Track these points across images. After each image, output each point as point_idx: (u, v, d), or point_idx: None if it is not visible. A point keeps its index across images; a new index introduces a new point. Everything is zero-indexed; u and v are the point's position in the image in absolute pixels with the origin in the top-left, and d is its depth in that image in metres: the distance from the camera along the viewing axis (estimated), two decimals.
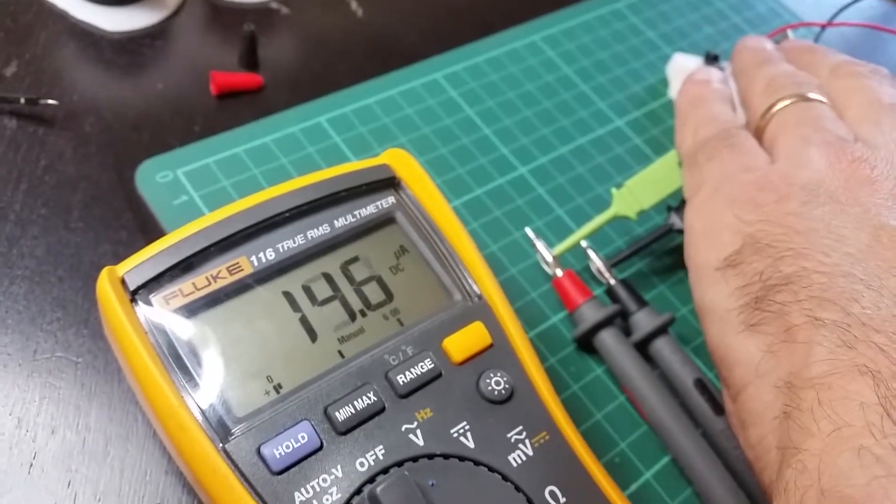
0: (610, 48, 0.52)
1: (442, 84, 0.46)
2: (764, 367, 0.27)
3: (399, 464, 0.26)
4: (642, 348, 0.37)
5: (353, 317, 0.29)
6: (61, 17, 0.44)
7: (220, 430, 0.25)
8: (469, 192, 0.42)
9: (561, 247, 0.39)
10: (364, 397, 0.27)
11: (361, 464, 0.25)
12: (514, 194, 0.42)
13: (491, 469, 0.26)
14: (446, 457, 0.26)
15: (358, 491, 0.25)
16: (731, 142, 0.34)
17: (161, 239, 0.28)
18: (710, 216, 0.32)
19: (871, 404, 0.23)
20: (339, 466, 0.25)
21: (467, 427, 0.27)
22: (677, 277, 0.41)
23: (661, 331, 0.37)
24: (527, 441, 0.27)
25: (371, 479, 0.25)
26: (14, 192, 0.36)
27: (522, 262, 0.40)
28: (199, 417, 0.25)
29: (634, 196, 0.39)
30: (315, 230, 0.30)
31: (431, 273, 0.31)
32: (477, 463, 0.26)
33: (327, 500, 0.25)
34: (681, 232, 0.39)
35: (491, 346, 0.29)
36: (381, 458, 0.26)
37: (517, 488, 0.26)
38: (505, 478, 0.26)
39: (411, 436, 0.26)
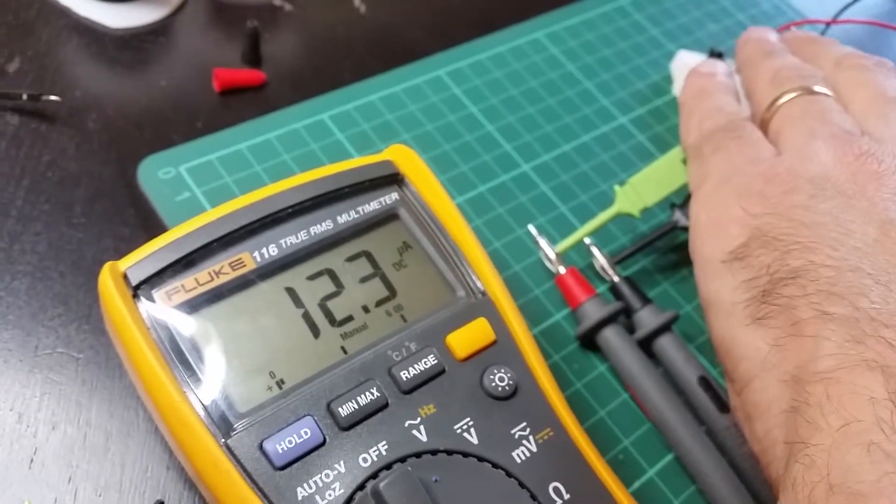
0: (613, 45, 0.52)
1: (445, 81, 0.46)
2: (770, 360, 0.27)
3: (402, 459, 0.25)
4: (646, 346, 0.37)
5: (356, 313, 0.29)
6: (64, 13, 0.44)
7: (223, 425, 0.25)
8: (472, 189, 0.42)
9: (564, 244, 0.39)
10: (367, 393, 0.26)
11: (364, 459, 0.25)
12: (517, 191, 0.42)
13: (494, 465, 0.26)
14: (450, 453, 0.26)
15: (361, 486, 0.25)
16: (737, 134, 0.34)
17: (163, 234, 0.28)
18: (716, 208, 0.32)
19: (880, 400, 0.23)
20: (341, 462, 0.25)
21: (471, 423, 0.27)
22: (681, 275, 0.41)
23: (664, 328, 0.36)
24: (530, 437, 0.27)
25: (374, 475, 0.25)
26: (16, 189, 0.36)
27: (525, 259, 0.40)
28: (202, 413, 0.25)
29: (638, 193, 0.39)
30: (318, 226, 0.30)
31: (435, 269, 0.31)
32: (480, 459, 0.26)
33: (330, 495, 0.24)
34: (685, 229, 0.39)
35: (494, 342, 0.29)
36: (384, 453, 0.25)
37: (521, 484, 0.26)
38: (509, 474, 0.26)
39: (414, 431, 0.26)
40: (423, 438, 0.26)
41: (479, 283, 0.30)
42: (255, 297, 0.28)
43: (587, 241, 0.39)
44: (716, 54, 0.50)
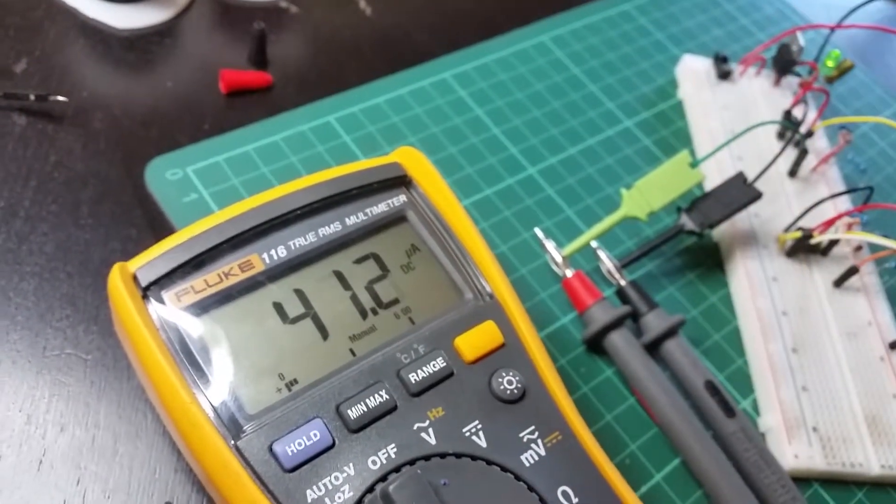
0: (618, 49, 0.52)
1: (451, 84, 0.46)
2: None
3: (411, 462, 0.25)
4: (652, 350, 0.37)
5: (364, 315, 0.29)
6: (71, 14, 0.44)
7: (232, 427, 0.25)
8: (478, 192, 0.42)
9: (571, 247, 0.39)
10: (376, 395, 0.26)
11: (373, 462, 0.25)
12: (523, 194, 0.42)
13: (503, 468, 0.26)
14: (458, 456, 0.26)
15: (370, 489, 0.25)
16: None
17: (173, 235, 0.28)
18: None
19: None
20: (351, 464, 0.25)
21: (479, 426, 0.27)
22: (687, 279, 0.41)
23: (671, 332, 0.36)
24: (539, 441, 0.27)
25: (383, 478, 0.25)
26: (24, 189, 0.36)
27: (532, 262, 0.40)
28: (211, 414, 0.25)
29: (644, 197, 0.39)
30: (326, 228, 0.30)
31: (443, 272, 0.31)
32: (489, 462, 0.26)
33: (339, 497, 0.24)
34: (691, 233, 0.39)
35: (503, 345, 0.29)
36: (393, 456, 0.25)
37: (530, 488, 0.26)
38: (517, 477, 0.26)
39: (423, 434, 0.26)
40: (432, 441, 0.26)
41: (487, 286, 0.30)
42: (263, 298, 0.28)
43: (594, 244, 0.39)
44: (720, 59, 0.50)
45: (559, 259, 0.38)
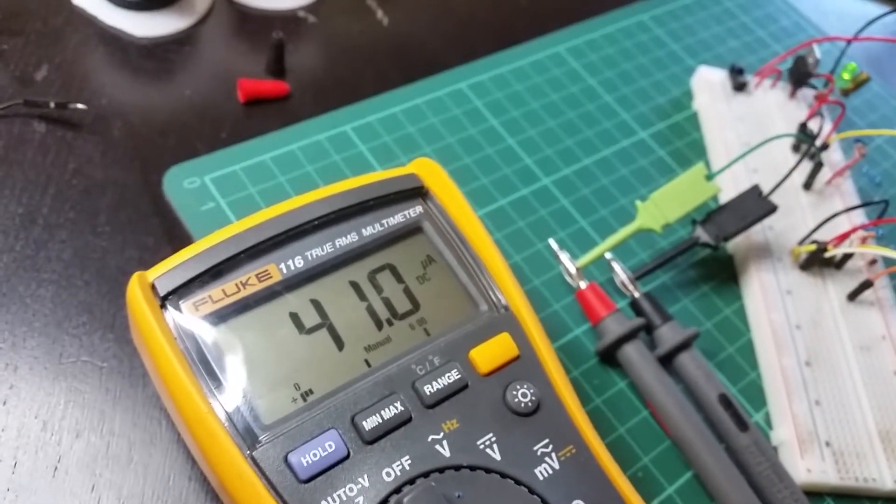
0: (634, 59, 0.52)
1: (466, 94, 0.46)
2: None
3: (425, 475, 0.26)
4: (666, 362, 0.37)
5: (379, 326, 0.29)
6: (90, 22, 0.44)
7: (248, 437, 0.25)
8: (492, 203, 0.42)
9: (585, 259, 0.39)
10: (391, 407, 0.27)
11: (388, 474, 0.25)
12: (537, 205, 0.42)
13: (517, 482, 0.26)
14: (473, 469, 0.26)
15: (385, 501, 0.25)
16: None
17: (191, 245, 0.28)
18: None
19: None
20: (365, 476, 0.25)
21: (494, 439, 0.27)
22: (701, 291, 0.41)
23: (685, 345, 0.36)
24: (553, 454, 0.27)
25: (397, 490, 0.25)
26: (42, 196, 0.37)
27: (545, 273, 0.40)
28: (227, 424, 0.25)
29: (659, 209, 0.39)
30: (343, 238, 0.30)
31: (458, 283, 0.31)
32: (503, 475, 0.26)
33: None
34: (706, 245, 0.39)
35: (517, 357, 0.29)
36: (407, 468, 0.26)
37: (544, 501, 0.26)
38: (531, 491, 0.26)
39: (438, 447, 0.26)
40: (446, 454, 0.26)
41: (502, 298, 0.30)
42: (280, 308, 0.28)
43: (608, 256, 0.39)
44: (736, 70, 0.50)
45: (573, 270, 0.38)
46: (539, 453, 0.27)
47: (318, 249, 0.30)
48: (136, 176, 0.39)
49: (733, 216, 0.39)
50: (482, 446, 0.27)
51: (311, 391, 0.27)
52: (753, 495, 0.33)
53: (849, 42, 0.48)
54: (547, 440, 0.27)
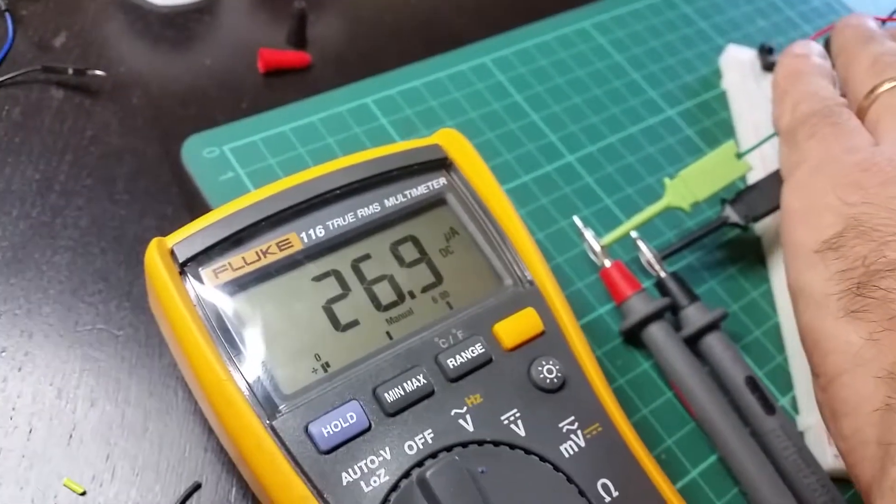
0: (662, 37, 0.51)
1: (490, 68, 0.45)
2: (864, 355, 0.26)
3: (448, 449, 0.25)
4: (692, 344, 0.36)
5: (401, 298, 0.28)
6: None
7: (268, 406, 0.25)
8: (516, 179, 0.41)
9: (610, 237, 0.38)
10: (413, 379, 0.26)
11: (410, 447, 0.25)
12: (561, 182, 0.42)
13: (542, 459, 0.25)
14: (496, 444, 0.25)
15: (406, 474, 0.24)
16: (833, 120, 0.33)
17: (211, 212, 0.28)
18: (809, 196, 0.31)
19: None
20: (387, 448, 0.25)
21: (518, 415, 0.26)
22: (729, 273, 0.40)
23: (712, 326, 0.35)
24: (579, 432, 0.26)
25: (420, 463, 0.24)
26: (59, 163, 0.36)
27: (569, 251, 0.39)
28: (247, 393, 0.25)
29: (688, 187, 0.38)
30: (365, 209, 0.29)
31: (482, 256, 0.30)
32: (528, 452, 0.25)
33: (375, 481, 0.24)
34: (735, 225, 0.38)
35: (542, 333, 0.28)
36: (430, 441, 0.25)
37: (569, 479, 0.25)
38: (556, 468, 0.25)
39: (461, 421, 0.26)
40: (470, 428, 0.25)
41: (527, 273, 0.30)
42: (301, 277, 0.28)
43: (633, 234, 0.38)
44: (766, 50, 0.49)
45: (597, 248, 0.37)
46: (564, 430, 0.26)
47: (340, 219, 0.29)
48: (155, 144, 0.38)
49: (763, 196, 0.38)
50: (506, 422, 0.26)
51: (331, 362, 0.26)
52: (779, 480, 0.33)
53: (883, 22, 0.47)
54: (572, 417, 0.27)
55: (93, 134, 0.38)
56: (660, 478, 0.27)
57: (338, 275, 0.28)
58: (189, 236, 0.27)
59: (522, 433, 0.26)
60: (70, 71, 0.38)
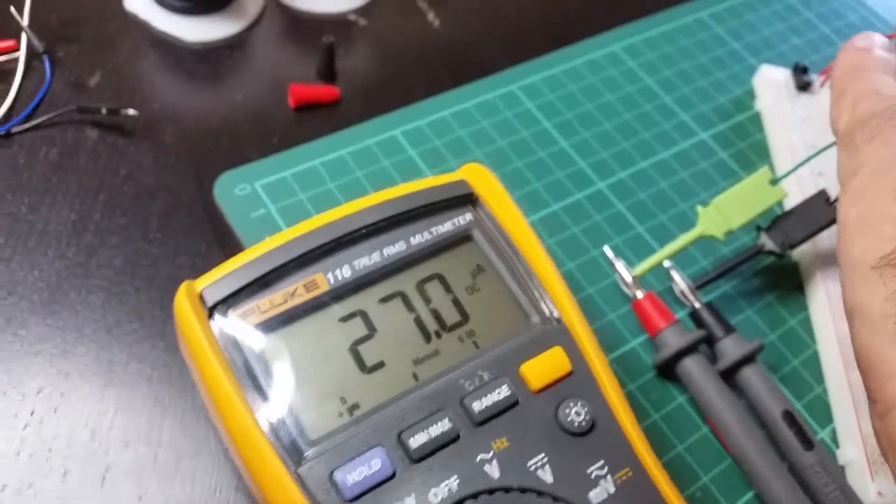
0: (693, 58, 0.50)
1: (518, 96, 0.45)
2: None
3: (474, 496, 0.25)
4: (728, 377, 0.35)
5: (427, 338, 0.28)
6: (143, 27, 0.44)
7: (294, 452, 0.25)
8: (545, 208, 0.41)
9: (642, 267, 0.37)
10: (438, 424, 0.26)
11: (435, 494, 0.25)
12: (592, 210, 0.41)
13: None
14: (523, 490, 0.25)
15: None
16: None
17: (240, 254, 0.28)
18: (868, 205, 0.28)
19: None
20: (412, 495, 0.24)
21: (546, 459, 0.26)
22: (766, 301, 0.39)
23: (748, 359, 0.35)
24: (608, 477, 0.26)
25: None
26: (94, 202, 0.37)
27: (600, 281, 0.39)
28: (272, 438, 0.25)
29: (722, 215, 0.38)
30: (391, 247, 0.29)
31: (509, 294, 0.30)
32: (556, 499, 0.25)
33: None
34: (770, 253, 0.38)
35: (571, 373, 0.28)
36: (455, 489, 0.25)
37: None
38: None
39: (486, 467, 0.25)
40: (496, 474, 0.25)
41: (554, 310, 0.29)
42: (327, 319, 0.28)
43: (667, 264, 0.38)
44: (800, 69, 0.48)
45: (629, 279, 0.37)
46: (593, 476, 0.26)
47: (366, 259, 0.29)
48: (188, 181, 0.39)
49: (800, 223, 0.38)
50: (533, 467, 0.26)
51: (357, 405, 0.26)
52: None
53: None
54: (602, 461, 0.26)
55: (127, 173, 0.38)
56: None
57: (364, 315, 0.28)
58: (218, 280, 0.27)
59: (550, 479, 0.25)
60: (104, 110, 0.39)
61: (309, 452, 0.25)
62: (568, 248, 0.39)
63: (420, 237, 0.30)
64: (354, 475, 0.24)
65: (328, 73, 0.44)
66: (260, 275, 0.28)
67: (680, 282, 0.37)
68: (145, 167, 0.39)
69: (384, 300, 0.29)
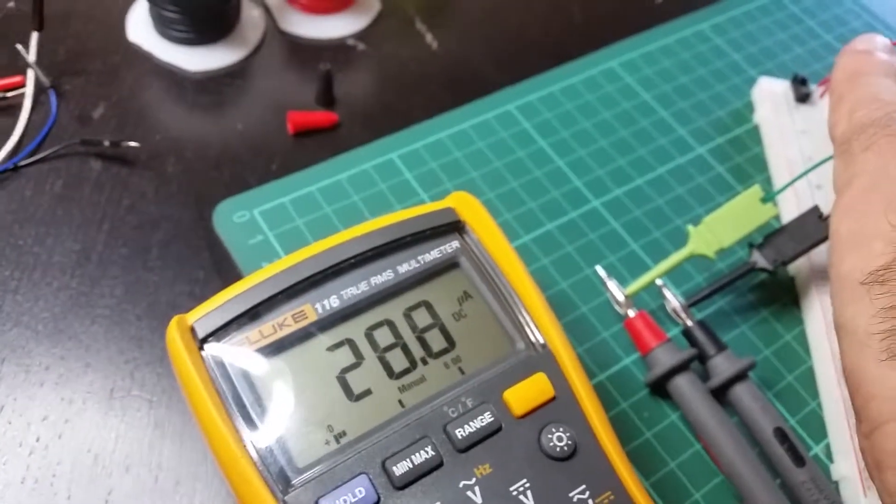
0: (692, 71, 0.51)
1: (515, 115, 0.46)
2: None
3: None
4: (720, 394, 0.35)
5: (414, 365, 0.29)
6: (146, 58, 0.46)
7: (281, 481, 0.26)
8: (540, 227, 0.41)
9: (633, 286, 0.38)
10: (422, 451, 0.26)
11: None
12: (586, 228, 0.42)
13: None
14: None
15: None
16: (894, 130, 0.29)
17: (230, 287, 0.29)
18: (859, 219, 0.28)
19: None
20: None
21: (527, 485, 0.26)
22: (760, 317, 0.39)
23: (740, 376, 0.35)
24: (590, 501, 0.26)
25: None
26: (97, 233, 0.38)
27: (594, 299, 0.39)
28: (261, 467, 0.26)
29: (713, 233, 0.38)
30: (378, 276, 0.30)
31: (494, 320, 0.31)
32: None
33: None
34: (764, 271, 0.38)
35: (554, 398, 0.28)
36: None
37: None
38: None
39: (469, 493, 0.26)
40: (478, 500, 0.26)
41: (539, 336, 0.30)
42: (315, 348, 0.29)
43: (658, 282, 0.38)
44: (799, 80, 0.48)
45: (621, 298, 0.37)
46: (575, 500, 0.26)
47: (354, 288, 0.30)
48: (190, 210, 0.40)
49: (792, 239, 0.38)
50: (515, 493, 0.26)
51: (344, 433, 0.27)
52: None
53: None
54: (584, 486, 0.27)
55: (129, 203, 0.39)
56: None
57: (351, 343, 0.29)
58: (208, 313, 0.28)
59: None
60: (106, 143, 0.40)
61: (296, 480, 0.26)
62: (562, 266, 0.40)
63: (408, 265, 0.31)
64: (339, 503, 0.25)
65: (326, 100, 0.45)
66: (249, 307, 0.28)
67: (672, 300, 0.37)
68: (147, 197, 0.40)
69: (371, 328, 0.29)
